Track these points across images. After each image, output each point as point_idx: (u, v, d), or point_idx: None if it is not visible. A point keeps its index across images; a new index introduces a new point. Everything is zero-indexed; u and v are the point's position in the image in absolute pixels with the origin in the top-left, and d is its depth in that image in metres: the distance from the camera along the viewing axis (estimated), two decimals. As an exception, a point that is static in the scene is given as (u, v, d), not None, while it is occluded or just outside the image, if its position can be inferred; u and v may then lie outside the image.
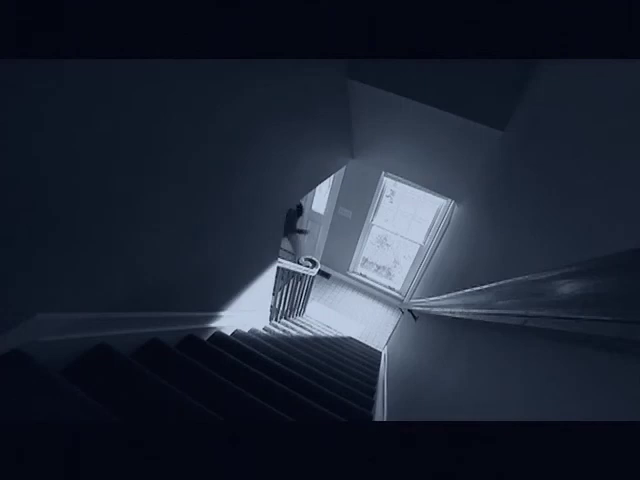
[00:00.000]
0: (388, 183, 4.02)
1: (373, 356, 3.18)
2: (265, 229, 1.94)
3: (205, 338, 1.70)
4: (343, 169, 3.94)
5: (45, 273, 0.73)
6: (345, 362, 2.56)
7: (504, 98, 1.53)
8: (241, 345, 1.77)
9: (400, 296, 4.53)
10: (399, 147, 2.51)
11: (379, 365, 2.86)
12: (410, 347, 1.95)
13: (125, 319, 1.08)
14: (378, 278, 4.65)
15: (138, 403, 0.93)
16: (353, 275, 4.57)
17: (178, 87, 0.76)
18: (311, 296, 3.99)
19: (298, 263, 3.02)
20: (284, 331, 2.71)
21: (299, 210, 3.61)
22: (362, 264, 4.70)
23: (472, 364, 0.82)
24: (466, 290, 0.84)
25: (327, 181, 4.25)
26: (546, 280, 0.43)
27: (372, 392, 2.14)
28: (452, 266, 1.76)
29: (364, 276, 4.60)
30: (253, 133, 1.16)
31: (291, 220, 3.29)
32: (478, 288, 0.74)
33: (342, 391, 1.84)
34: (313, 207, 4.64)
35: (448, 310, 0.98)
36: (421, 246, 4.15)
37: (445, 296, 1.07)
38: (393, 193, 4.78)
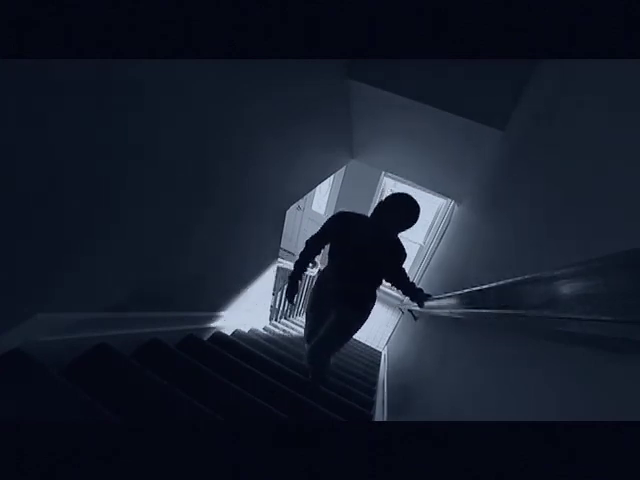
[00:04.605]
0: (388, 183, 4.03)
1: (373, 356, 3.18)
2: (265, 229, 1.94)
3: (205, 338, 1.70)
4: (343, 169, 3.95)
5: (45, 273, 0.73)
6: (345, 362, 2.56)
7: (504, 98, 1.54)
8: (241, 345, 1.77)
9: (400, 296, 4.53)
10: (399, 147, 2.51)
11: (379, 365, 2.86)
12: (410, 347, 1.95)
13: (125, 319, 1.08)
14: (378, 278, 4.64)
15: (138, 403, 0.93)
16: (353, 275, 4.55)
17: (183, 88, 0.76)
18: (311, 296, 3.98)
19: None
20: (284, 331, 2.71)
21: None
22: (362, 264, 4.69)
23: (472, 364, 0.82)
24: (466, 290, 0.84)
25: (327, 181, 4.25)
26: (546, 280, 0.43)
27: (372, 392, 2.14)
28: (452, 266, 1.76)
29: (364, 276, 4.59)
30: (253, 134, 1.16)
31: None
32: (478, 288, 0.74)
33: (342, 391, 1.84)
34: (313, 207, 4.64)
35: (448, 310, 0.98)
36: (421, 246, 4.15)
37: (445, 296, 1.07)
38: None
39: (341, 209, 1.43)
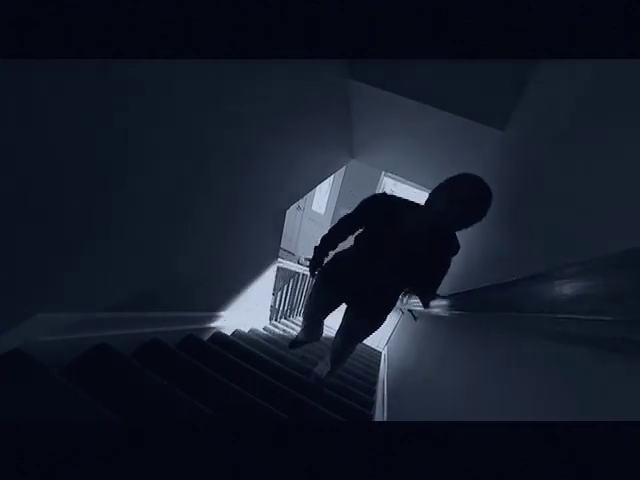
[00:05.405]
0: (388, 183, 4.03)
1: (373, 356, 3.18)
2: (265, 229, 1.94)
3: (205, 338, 1.70)
4: (343, 169, 3.95)
5: (45, 273, 0.73)
6: (345, 362, 2.56)
7: (504, 98, 1.54)
8: (241, 345, 1.77)
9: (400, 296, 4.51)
10: (399, 147, 2.51)
11: (379, 365, 2.86)
12: (410, 347, 1.95)
13: (125, 319, 1.08)
14: (378, 278, 4.63)
15: (138, 403, 0.93)
16: (353, 275, 4.54)
17: (184, 88, 0.76)
18: (311, 296, 3.97)
19: (298, 263, 3.02)
20: (284, 331, 2.71)
21: None
22: (362, 264, 4.69)
23: (471, 364, 0.82)
24: (466, 290, 0.84)
25: (327, 181, 4.25)
26: (546, 280, 0.43)
27: (372, 392, 2.14)
28: (451, 266, 1.76)
29: (364, 276, 4.58)
30: (253, 134, 1.16)
31: None
32: (477, 288, 0.74)
33: (342, 391, 1.84)
34: (313, 207, 4.64)
35: (448, 310, 0.97)
36: (421, 246, 4.14)
37: (444, 296, 1.07)
38: (393, 193, 4.78)
39: (381, 191, 1.15)
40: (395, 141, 2.41)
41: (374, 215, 1.12)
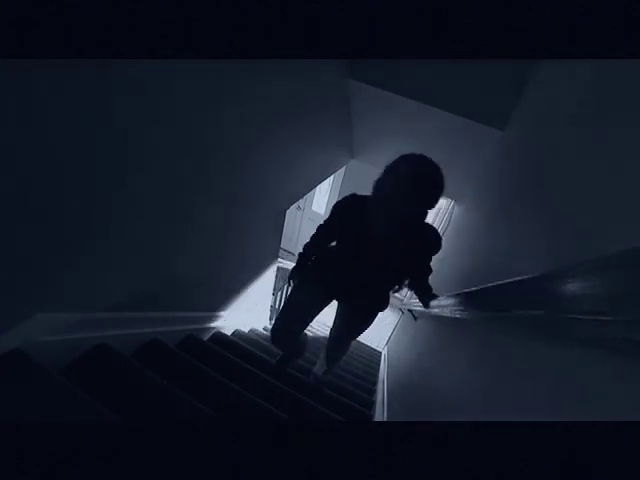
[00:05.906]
0: (388, 183, 4.02)
1: (373, 356, 3.18)
2: (265, 229, 1.94)
3: (205, 338, 1.70)
4: (343, 169, 3.94)
5: (45, 273, 0.73)
6: (345, 362, 2.56)
7: (504, 98, 1.54)
8: (241, 345, 1.77)
9: (400, 296, 4.52)
10: (399, 147, 2.50)
11: (379, 365, 2.86)
12: (410, 347, 1.95)
13: (125, 319, 1.08)
14: (378, 278, 4.63)
15: (138, 403, 0.93)
16: (353, 275, 4.53)
17: (184, 88, 0.76)
18: (311, 296, 3.97)
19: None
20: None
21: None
22: (362, 264, 4.68)
23: (471, 364, 0.82)
24: (465, 290, 0.84)
25: (327, 181, 4.25)
26: (546, 280, 0.43)
27: (372, 392, 2.14)
28: (452, 266, 1.76)
29: (364, 276, 4.57)
30: (253, 134, 1.16)
31: None
32: (477, 288, 0.74)
33: (342, 391, 1.84)
34: (313, 207, 4.64)
35: (448, 310, 0.97)
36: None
37: (445, 296, 1.07)
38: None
39: (354, 192, 1.14)
40: (395, 141, 2.40)
41: (346, 218, 1.12)
